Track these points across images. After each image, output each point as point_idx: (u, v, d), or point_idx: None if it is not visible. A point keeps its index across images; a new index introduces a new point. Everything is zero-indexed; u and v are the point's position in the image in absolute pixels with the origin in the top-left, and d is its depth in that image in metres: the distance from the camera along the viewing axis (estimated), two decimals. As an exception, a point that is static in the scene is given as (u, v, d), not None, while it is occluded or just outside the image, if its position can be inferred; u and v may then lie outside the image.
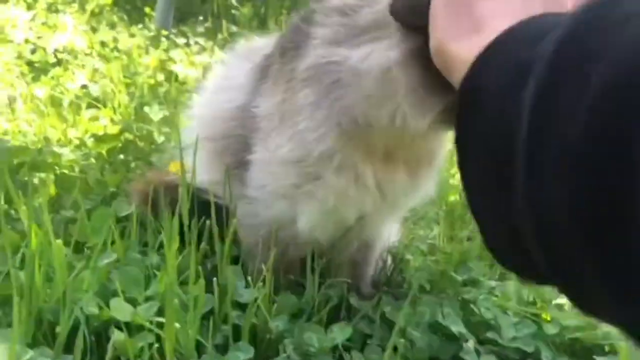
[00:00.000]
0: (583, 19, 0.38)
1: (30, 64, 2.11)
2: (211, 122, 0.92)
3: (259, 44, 0.95)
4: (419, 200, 0.87)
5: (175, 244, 0.74)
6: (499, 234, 0.45)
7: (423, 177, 0.80)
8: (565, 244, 0.37)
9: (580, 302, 0.41)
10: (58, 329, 0.65)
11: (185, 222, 0.86)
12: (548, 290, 0.97)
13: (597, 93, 0.34)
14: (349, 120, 0.71)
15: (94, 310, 0.69)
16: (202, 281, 0.69)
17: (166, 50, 2.44)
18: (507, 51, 0.44)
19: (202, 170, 0.91)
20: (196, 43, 2.67)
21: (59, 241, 0.69)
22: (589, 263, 0.36)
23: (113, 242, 0.85)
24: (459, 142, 0.48)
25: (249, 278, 0.78)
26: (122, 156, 1.30)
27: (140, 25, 2.98)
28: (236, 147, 0.86)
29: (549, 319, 0.90)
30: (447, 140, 0.80)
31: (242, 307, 0.79)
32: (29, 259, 0.66)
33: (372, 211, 0.80)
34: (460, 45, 0.49)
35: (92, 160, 1.26)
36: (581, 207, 0.35)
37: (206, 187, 0.92)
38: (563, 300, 0.96)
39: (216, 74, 1.04)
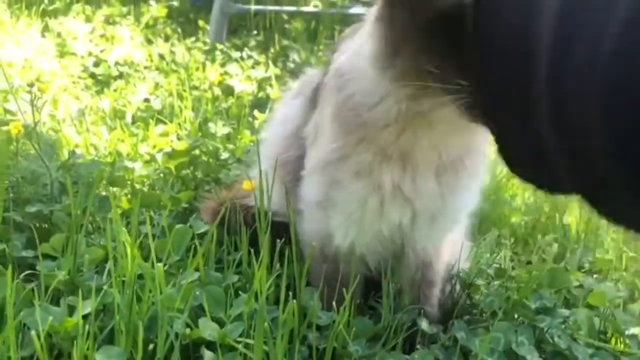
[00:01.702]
0: None
1: (93, 76, 2.19)
2: (273, 145, 1.01)
3: (310, 77, 1.01)
4: (462, 213, 0.88)
5: (264, 265, 0.76)
6: (521, 144, 0.50)
7: (451, 185, 0.81)
8: (593, 150, 0.42)
9: (600, 204, 0.46)
10: (151, 346, 0.68)
11: (261, 241, 0.88)
12: (620, 320, 0.96)
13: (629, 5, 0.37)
14: (358, 122, 0.76)
15: (184, 329, 0.71)
16: (291, 304, 0.71)
17: (222, 65, 2.49)
18: None
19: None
20: (249, 57, 2.71)
21: (159, 265, 0.72)
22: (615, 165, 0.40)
23: (188, 258, 0.88)
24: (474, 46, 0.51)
25: (333, 303, 0.79)
26: (189, 172, 1.34)
27: (193, 38, 3.05)
28: (292, 166, 0.92)
29: (622, 348, 0.89)
30: (478, 151, 0.81)
31: (319, 328, 0.80)
32: (129, 282, 0.69)
33: (406, 223, 0.82)
34: None
35: (162, 175, 1.30)
36: (612, 118, 0.39)
37: (277, 208, 0.95)
38: (636, 330, 0.95)
39: (277, 109, 1.12)
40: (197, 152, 1.42)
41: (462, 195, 0.83)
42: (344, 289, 0.80)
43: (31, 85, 1.05)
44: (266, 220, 0.88)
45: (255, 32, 3.15)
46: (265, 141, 1.05)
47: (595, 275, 1.21)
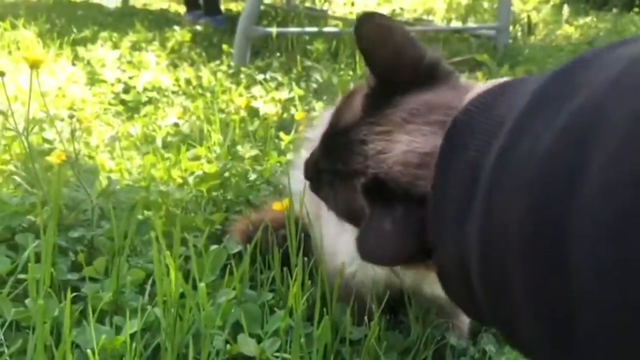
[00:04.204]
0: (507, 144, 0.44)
1: (123, 102, 2.26)
2: None
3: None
4: None
5: (298, 287, 0.80)
6: (452, 267, 0.50)
7: None
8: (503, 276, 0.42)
9: (514, 340, 0.46)
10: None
11: (293, 261, 0.92)
12: None
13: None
14: None
15: (225, 346, 0.76)
16: (326, 319, 0.75)
17: (247, 88, 2.55)
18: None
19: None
20: (273, 78, 2.78)
21: (202, 285, 0.76)
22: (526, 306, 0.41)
23: (224, 277, 0.92)
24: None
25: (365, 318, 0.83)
26: (220, 194, 1.39)
27: (217, 61, 3.13)
28: None
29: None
30: None
31: (351, 343, 0.84)
32: (172, 299, 0.73)
33: None
34: None
35: (194, 198, 1.35)
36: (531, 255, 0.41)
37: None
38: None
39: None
40: (227, 174, 1.47)
41: None
42: (373, 305, 0.83)
43: (71, 116, 1.11)
44: (297, 241, 0.92)
45: (277, 54, 3.22)
46: (296, 164, 1.09)
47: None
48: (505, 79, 0.57)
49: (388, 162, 0.57)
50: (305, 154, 1.09)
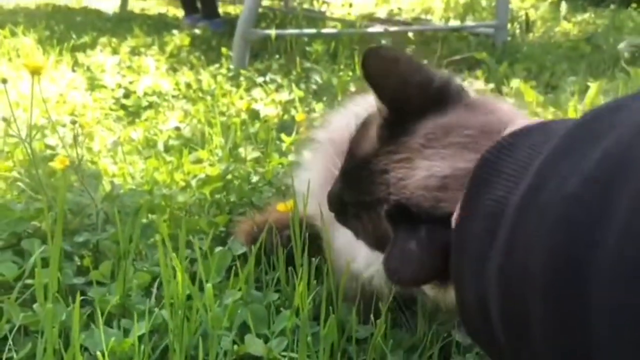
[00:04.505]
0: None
1: (124, 107, 2.27)
2: None
3: None
4: None
5: (305, 281, 0.80)
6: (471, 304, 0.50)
7: None
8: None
9: None
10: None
11: (298, 261, 0.93)
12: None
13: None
14: None
15: (232, 346, 0.76)
16: (332, 318, 0.75)
17: (247, 90, 2.56)
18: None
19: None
20: (272, 80, 2.78)
21: (209, 285, 0.76)
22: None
23: (229, 279, 0.93)
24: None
25: (371, 316, 0.83)
26: (223, 196, 1.39)
27: (217, 65, 3.14)
28: None
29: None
30: None
31: (357, 342, 0.84)
32: (179, 301, 0.74)
33: None
34: None
35: (197, 200, 1.36)
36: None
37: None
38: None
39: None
40: (229, 176, 1.47)
41: None
42: (380, 303, 0.84)
43: (74, 122, 1.11)
44: (302, 241, 0.93)
45: (277, 56, 3.23)
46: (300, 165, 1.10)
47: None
48: (530, 120, 0.58)
49: (410, 187, 0.58)
50: (308, 155, 1.10)
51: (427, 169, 0.58)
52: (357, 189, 0.65)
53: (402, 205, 0.58)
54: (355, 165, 0.67)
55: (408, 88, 0.63)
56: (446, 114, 0.62)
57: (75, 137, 1.07)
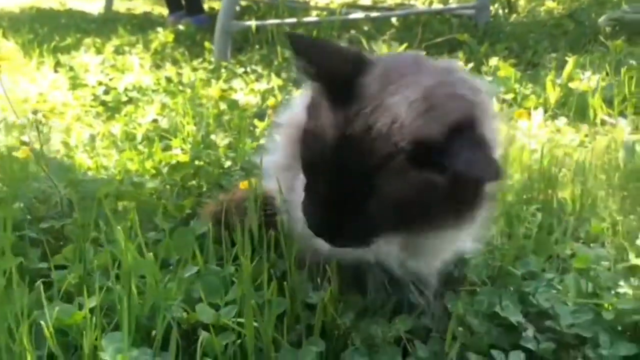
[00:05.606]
0: None
1: (104, 104, 2.29)
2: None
3: None
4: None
5: (248, 251, 0.82)
6: None
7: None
8: None
9: None
10: (154, 332, 0.75)
11: (255, 234, 0.95)
12: (606, 279, 1.00)
13: None
14: None
15: (182, 314, 0.78)
16: (274, 284, 0.77)
17: (227, 81, 2.58)
18: None
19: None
20: (253, 71, 2.80)
21: (150, 254, 0.79)
22: None
23: (194, 257, 0.95)
24: None
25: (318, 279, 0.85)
26: (195, 181, 1.41)
27: (200, 59, 3.15)
28: None
29: (607, 306, 0.93)
30: None
31: (311, 307, 0.86)
32: (125, 274, 0.76)
33: None
34: None
35: (168, 187, 1.38)
36: None
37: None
38: (623, 289, 0.99)
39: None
40: (201, 163, 1.49)
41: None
42: (330, 270, 0.86)
43: (35, 112, 1.13)
44: (257, 214, 0.95)
45: (258, 47, 3.24)
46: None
47: (591, 244, 1.25)
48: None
49: (406, 126, 0.65)
50: (277, 138, 1.11)
51: (403, 101, 0.65)
52: (353, 162, 0.67)
53: (416, 142, 0.64)
54: (329, 147, 0.68)
55: (334, 57, 0.71)
56: (375, 67, 0.70)
57: (37, 127, 1.09)
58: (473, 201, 0.73)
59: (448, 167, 0.64)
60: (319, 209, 0.72)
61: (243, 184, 1.13)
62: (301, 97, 1.10)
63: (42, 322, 0.69)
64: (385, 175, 0.66)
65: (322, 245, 0.76)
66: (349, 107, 0.68)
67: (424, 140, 0.64)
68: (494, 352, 0.80)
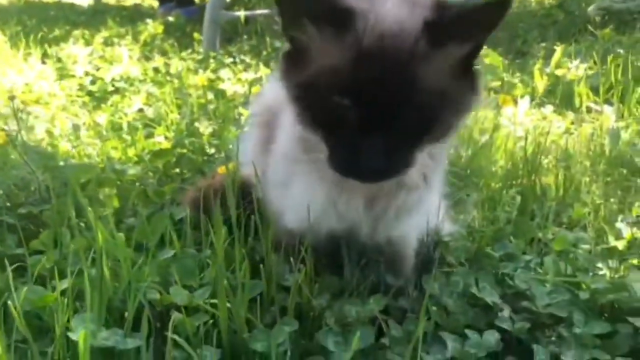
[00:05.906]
0: None
1: (90, 94, 2.27)
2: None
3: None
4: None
5: (221, 232, 0.82)
6: None
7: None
8: None
9: None
10: (126, 314, 0.74)
11: (234, 218, 0.94)
12: (585, 260, 1.00)
13: None
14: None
15: (156, 296, 0.78)
16: (246, 266, 0.77)
17: (214, 71, 2.56)
18: None
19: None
20: (242, 61, 2.79)
21: (121, 234, 0.78)
22: None
23: (171, 242, 0.95)
24: None
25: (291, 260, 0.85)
26: (177, 169, 1.41)
27: (189, 50, 3.14)
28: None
29: (583, 286, 0.93)
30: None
31: (287, 290, 0.86)
32: (98, 256, 0.75)
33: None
34: None
35: (150, 173, 1.37)
36: None
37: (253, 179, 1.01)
38: (601, 270, 0.99)
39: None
40: (184, 150, 1.49)
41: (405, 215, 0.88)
42: (305, 254, 0.85)
43: (12, 98, 1.13)
44: (234, 192, 0.94)
45: (247, 37, 3.23)
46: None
47: (574, 229, 1.25)
48: None
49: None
50: (249, 129, 1.12)
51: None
52: (384, 68, 0.69)
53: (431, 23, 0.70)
54: (348, 72, 0.69)
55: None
56: None
57: (14, 112, 1.08)
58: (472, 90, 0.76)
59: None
60: (368, 147, 0.71)
61: (221, 169, 1.13)
62: (269, 84, 1.10)
63: (10, 303, 0.69)
64: (418, 64, 0.69)
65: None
66: (352, 29, 0.71)
67: (432, 20, 0.70)
68: (469, 332, 0.80)
